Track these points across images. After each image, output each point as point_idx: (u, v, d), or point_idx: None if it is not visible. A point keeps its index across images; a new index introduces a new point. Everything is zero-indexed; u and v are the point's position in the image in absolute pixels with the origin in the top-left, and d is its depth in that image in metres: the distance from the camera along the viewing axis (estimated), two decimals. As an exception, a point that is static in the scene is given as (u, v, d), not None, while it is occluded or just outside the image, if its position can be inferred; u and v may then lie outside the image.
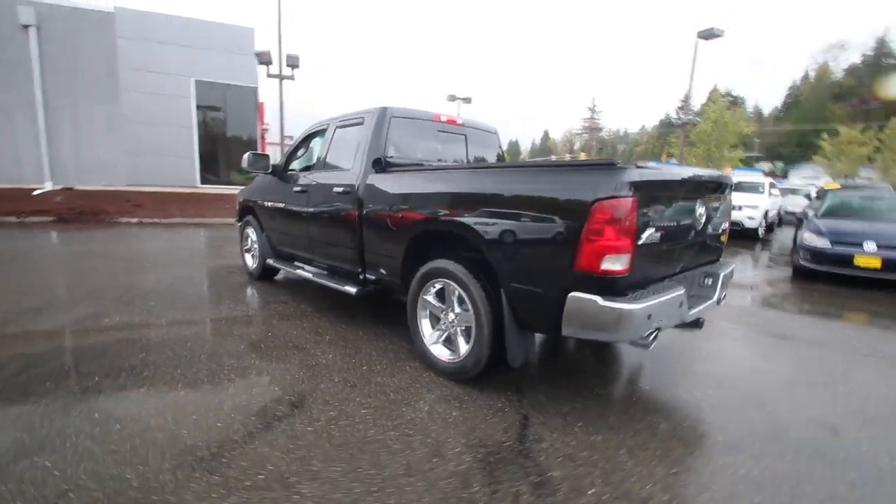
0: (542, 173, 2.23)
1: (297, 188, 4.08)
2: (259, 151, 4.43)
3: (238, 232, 5.55)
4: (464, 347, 2.65)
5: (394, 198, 3.03)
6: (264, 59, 11.40)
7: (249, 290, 4.75)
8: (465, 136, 3.99)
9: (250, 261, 5.28)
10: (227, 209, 12.63)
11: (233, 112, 15.53)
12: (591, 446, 2.11)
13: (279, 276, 5.25)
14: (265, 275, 5.04)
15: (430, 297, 2.85)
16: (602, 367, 3.10)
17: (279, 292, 4.68)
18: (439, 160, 3.78)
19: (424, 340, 2.88)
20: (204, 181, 15.29)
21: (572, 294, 2.07)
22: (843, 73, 72.19)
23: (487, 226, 2.40)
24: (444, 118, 3.81)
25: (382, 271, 3.26)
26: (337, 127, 3.87)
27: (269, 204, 4.59)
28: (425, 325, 2.91)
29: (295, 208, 4.15)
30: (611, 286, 2.03)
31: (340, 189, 3.50)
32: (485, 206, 2.42)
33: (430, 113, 3.74)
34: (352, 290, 3.45)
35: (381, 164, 3.24)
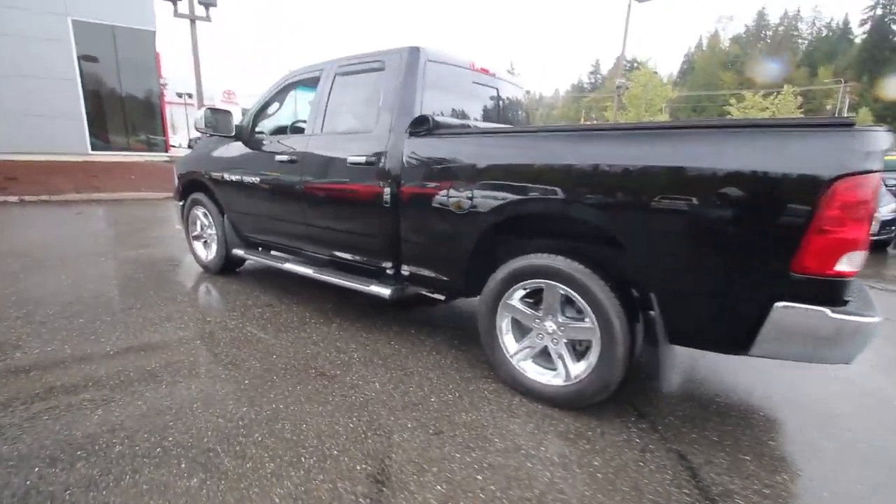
0: (734, 138, 1.60)
1: (282, 158, 3.08)
2: (216, 106, 3.27)
3: (179, 213, 4.33)
4: (576, 367, 2.04)
5: (456, 171, 2.25)
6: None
7: (211, 290, 3.70)
8: (497, 89, 3.23)
9: (203, 251, 4.15)
10: (130, 181, 10.62)
11: (126, 62, 12.88)
12: (786, 490, 1.65)
13: (242, 267, 4.20)
14: (227, 267, 3.99)
15: (517, 302, 2.18)
16: (690, 368, 2.67)
17: (252, 289, 3.69)
18: (474, 119, 3.01)
19: (508, 356, 2.23)
20: (95, 147, 12.71)
21: (782, 304, 1.53)
22: (729, 43, 79.63)
23: (634, 211, 1.75)
24: (477, 66, 3.01)
25: (430, 267, 2.51)
26: (338, 74, 2.91)
27: (234, 178, 3.51)
28: (508, 337, 2.25)
29: (278, 184, 3.16)
30: (838, 293, 1.51)
31: (358, 159, 2.62)
32: (631, 183, 1.76)
33: (466, 59, 2.92)
34: (383, 291, 2.65)
35: (426, 126, 2.40)
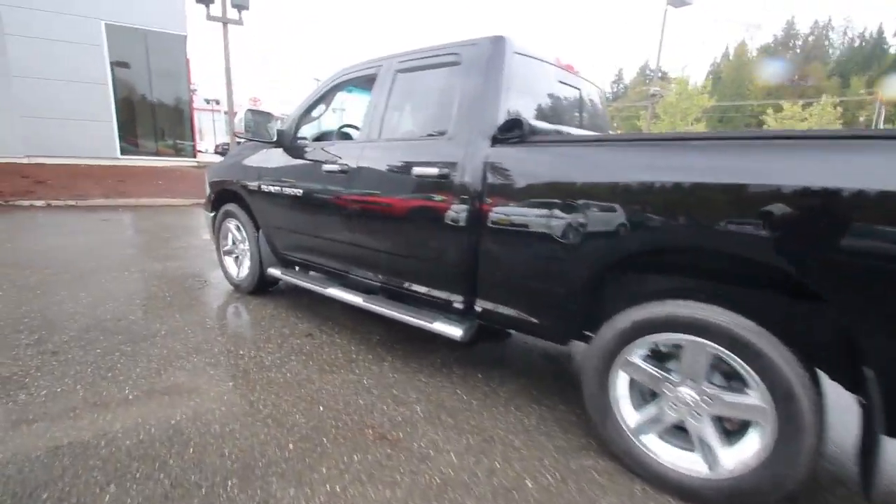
0: None
1: (331, 167, 2.66)
2: (257, 108, 2.87)
3: (209, 225, 3.96)
4: (730, 454, 1.53)
5: (565, 189, 1.77)
6: (203, -6, 9.02)
7: (243, 314, 3.30)
8: (580, 90, 2.76)
9: (234, 268, 3.76)
10: (158, 187, 10.46)
11: (157, 66, 12.86)
12: None
13: (276, 286, 3.80)
14: (260, 287, 3.58)
15: (641, 360, 1.68)
16: None
17: (288, 314, 3.27)
18: (557, 124, 2.54)
19: (626, 429, 1.73)
20: (124, 152, 12.68)
21: None
22: (756, 52, 77.79)
23: (848, 252, 1.25)
24: (562, 62, 2.56)
25: (516, 305, 2.03)
26: (399, 71, 2.48)
27: (272, 189, 3.11)
28: (625, 404, 1.75)
29: (324, 197, 2.74)
30: None
31: (426, 171, 2.17)
32: (848, 213, 1.25)
33: (550, 53, 2.46)
34: (454, 332, 2.19)
35: (518, 131, 1.94)
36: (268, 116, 2.96)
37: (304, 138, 3.19)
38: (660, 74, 19.05)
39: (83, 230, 6.28)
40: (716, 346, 1.49)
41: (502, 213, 1.95)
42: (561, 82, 2.56)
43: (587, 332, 2.00)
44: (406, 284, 2.46)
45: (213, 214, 3.87)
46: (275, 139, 3.01)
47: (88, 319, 3.02)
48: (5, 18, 10.71)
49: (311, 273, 3.17)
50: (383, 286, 2.59)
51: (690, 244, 1.53)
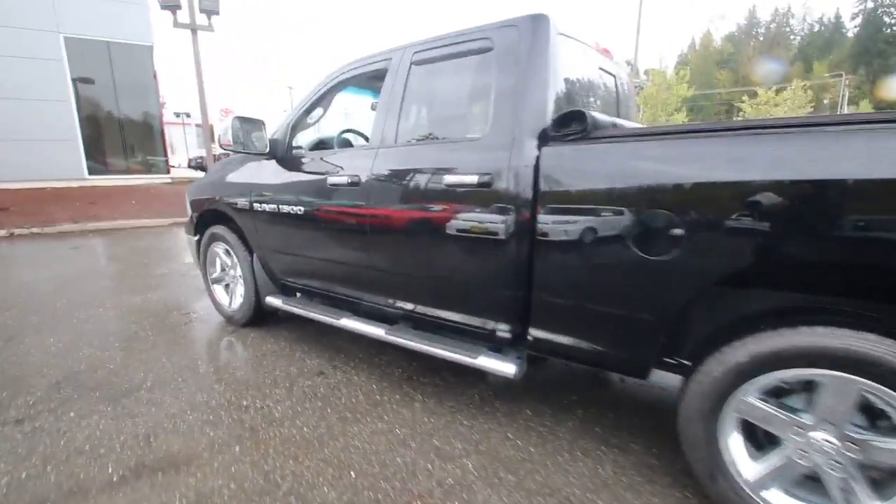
0: None
1: (337, 179, 2.29)
2: (248, 116, 2.47)
3: (195, 251, 3.53)
4: (891, 514, 1.22)
5: (653, 194, 1.43)
6: (168, 1, 8.46)
7: (241, 352, 2.89)
8: (615, 77, 2.44)
9: (224, 297, 3.34)
10: (132, 207, 9.85)
11: (123, 79, 12.19)
12: None
13: (274, 313, 3.39)
14: (256, 318, 3.18)
15: (757, 400, 1.36)
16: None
17: (293, 348, 2.88)
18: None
19: (743, 484, 1.40)
20: (93, 171, 11.99)
21: None
22: (721, 41, 79.51)
23: None
24: (600, 46, 2.23)
25: (582, 334, 1.70)
26: (415, 64, 2.12)
27: (266, 207, 2.71)
28: (739, 453, 1.43)
29: (330, 214, 2.37)
30: None
31: (462, 179, 1.82)
32: None
33: (591, 39, 2.14)
34: (505, 369, 1.84)
35: (580, 126, 1.60)
36: (257, 124, 2.56)
37: (300, 147, 2.81)
38: (637, 69, 19.08)
39: (51, 261, 5.73)
40: (873, 384, 1.17)
41: (563, 224, 1.61)
42: (602, 70, 2.23)
43: (669, 359, 1.68)
44: (437, 312, 2.10)
45: (197, 238, 3.44)
46: (267, 150, 2.61)
47: (59, 372, 2.58)
48: (-47, 35, 9.97)
49: (317, 300, 2.79)
50: (408, 314, 2.23)
51: (845, 257, 1.20)
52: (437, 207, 1.93)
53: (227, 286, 3.34)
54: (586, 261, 1.59)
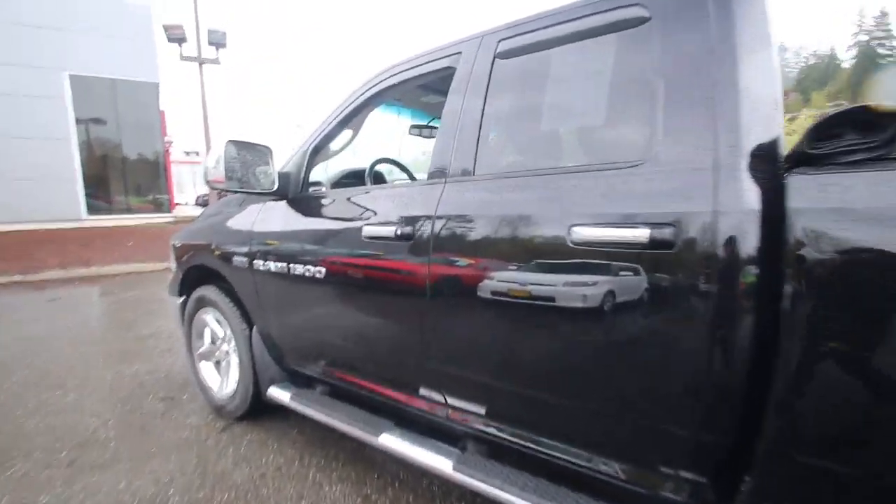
0: None
1: (381, 230, 1.53)
2: (248, 140, 1.73)
3: (179, 315, 2.75)
4: None
5: None
6: (175, 34, 8.09)
7: (228, 466, 2.04)
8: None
9: (214, 379, 2.54)
10: (128, 249, 9.18)
11: (127, 117, 11.82)
12: None
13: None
14: (254, 410, 2.36)
15: None
16: None
17: (307, 463, 2.05)
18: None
19: None
20: (92, 211, 11.43)
21: None
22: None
23: None
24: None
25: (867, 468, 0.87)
26: (501, 56, 1.40)
27: (273, 265, 1.95)
28: None
29: (370, 278, 1.60)
30: None
31: (624, 234, 1.04)
32: None
33: None
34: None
35: (868, 138, 0.85)
36: (262, 152, 1.83)
37: (319, 184, 2.08)
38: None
39: (20, 318, 4.96)
40: None
41: (848, 314, 0.82)
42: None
43: None
44: (551, 440, 1.28)
45: (181, 300, 2.67)
46: (275, 187, 1.87)
47: (-34, 512, 1.75)
48: (-46, 75, 9.65)
49: (338, 398, 1.98)
50: (497, 441, 1.41)
51: None
52: (552, 271, 1.15)
53: (217, 363, 2.54)
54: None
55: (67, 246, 9.18)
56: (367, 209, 1.67)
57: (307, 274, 1.79)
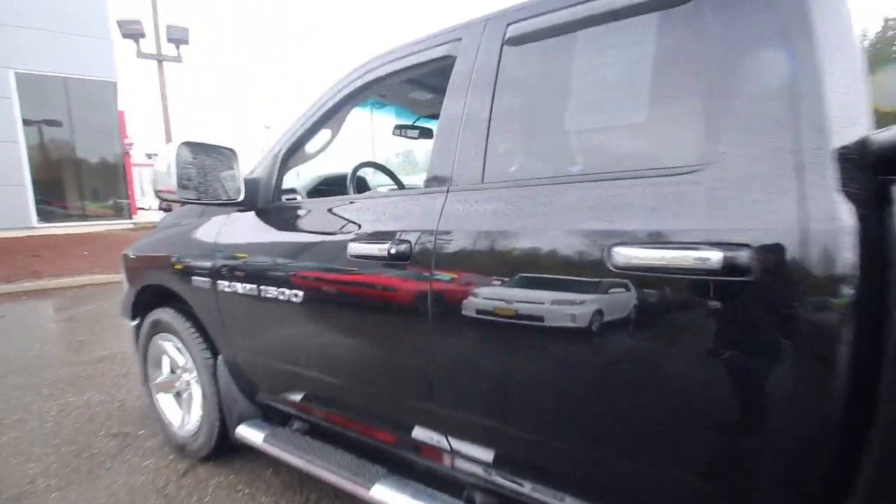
0: None
1: (367, 248, 1.29)
2: (207, 142, 1.46)
3: (133, 339, 2.43)
4: None
5: None
6: (131, 30, 7.56)
7: (196, 522, 1.76)
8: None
9: (175, 414, 2.24)
10: (83, 259, 8.58)
11: (82, 117, 11.09)
12: None
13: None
14: (220, 449, 2.07)
15: None
16: None
17: (283, 499, 1.78)
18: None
19: None
20: (43, 218, 10.67)
21: None
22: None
23: None
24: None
25: None
26: (510, 42, 1.18)
27: (241, 287, 1.68)
28: None
29: (357, 301, 1.36)
30: None
31: (688, 257, 0.83)
32: None
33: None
34: None
35: None
36: (225, 156, 1.57)
37: (293, 191, 1.82)
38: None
39: (-42, 338, 4.45)
40: None
41: None
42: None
43: None
44: (587, 500, 1.08)
45: (135, 323, 2.35)
46: (241, 197, 1.61)
47: None
48: None
49: (315, 440, 1.72)
50: (511, 494, 1.20)
51: None
52: (590, 312, 0.95)
53: (177, 395, 2.24)
54: None
55: (15, 256, 8.50)
56: (352, 222, 1.44)
57: (281, 297, 1.54)
